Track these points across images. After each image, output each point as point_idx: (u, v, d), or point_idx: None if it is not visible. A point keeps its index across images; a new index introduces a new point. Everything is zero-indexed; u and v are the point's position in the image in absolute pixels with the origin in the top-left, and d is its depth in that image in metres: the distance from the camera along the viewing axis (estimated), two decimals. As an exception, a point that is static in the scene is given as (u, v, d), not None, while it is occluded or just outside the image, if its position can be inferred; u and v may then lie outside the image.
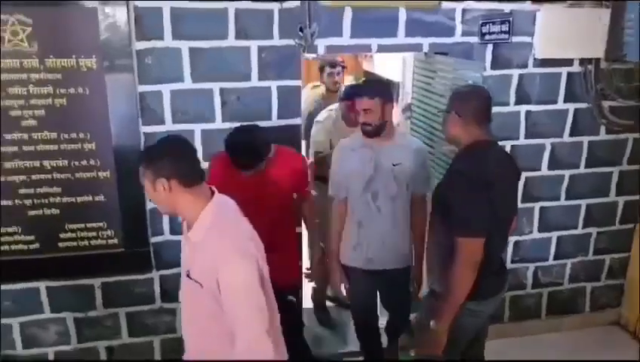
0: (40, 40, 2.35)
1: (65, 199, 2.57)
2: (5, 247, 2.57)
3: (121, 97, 2.51)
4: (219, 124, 2.65)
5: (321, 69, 3.83)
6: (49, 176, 2.53)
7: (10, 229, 2.56)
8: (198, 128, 2.64)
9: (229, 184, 2.21)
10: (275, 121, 2.70)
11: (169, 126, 2.61)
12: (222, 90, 2.62)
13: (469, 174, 2.01)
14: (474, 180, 1.98)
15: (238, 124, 2.42)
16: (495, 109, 2.88)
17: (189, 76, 2.57)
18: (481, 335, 2.34)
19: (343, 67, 4.02)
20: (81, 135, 2.51)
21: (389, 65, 7.51)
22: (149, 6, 2.44)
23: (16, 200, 2.53)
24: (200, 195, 1.67)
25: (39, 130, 2.46)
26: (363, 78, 8.48)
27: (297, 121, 2.74)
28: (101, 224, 2.63)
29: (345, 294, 2.81)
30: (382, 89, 2.55)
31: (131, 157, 2.55)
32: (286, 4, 2.54)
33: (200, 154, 2.60)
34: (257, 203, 2.29)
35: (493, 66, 2.86)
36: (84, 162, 2.54)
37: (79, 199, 2.59)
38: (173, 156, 1.63)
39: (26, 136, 2.46)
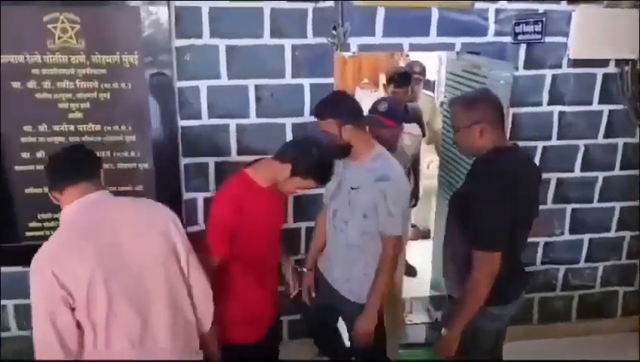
0: (87, 37, 2.48)
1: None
2: (51, 233, 2.73)
3: (160, 92, 2.62)
4: (253, 119, 2.73)
5: (389, 81, 3.58)
6: (92, 166, 2.67)
7: (56, 216, 2.71)
8: (233, 123, 2.73)
9: (251, 216, 2.12)
10: (307, 118, 2.77)
11: (205, 120, 2.71)
12: (256, 87, 2.70)
13: (489, 185, 1.93)
14: (495, 191, 1.91)
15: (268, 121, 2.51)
16: (527, 110, 2.92)
17: (225, 73, 2.66)
18: (500, 338, 2.32)
19: (420, 79, 3.68)
20: (123, 127, 2.64)
21: (425, 64, 7.47)
22: (188, 5, 2.54)
23: (61, 188, 2.68)
24: (70, 196, 1.68)
25: (84, 123, 2.60)
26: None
27: (329, 118, 2.80)
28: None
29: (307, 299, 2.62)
30: (335, 109, 2.23)
31: (169, 149, 2.69)
32: (320, 4, 2.61)
33: (234, 149, 2.74)
34: (276, 230, 2.29)
35: (526, 66, 2.85)
36: (125, 154, 2.67)
37: (120, 188, 2.71)
38: (47, 172, 1.76)
39: (72, 127, 2.60)
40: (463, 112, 2.03)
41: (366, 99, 7.42)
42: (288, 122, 2.77)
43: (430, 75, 7.22)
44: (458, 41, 2.78)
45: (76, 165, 1.71)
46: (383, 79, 8.90)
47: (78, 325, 1.57)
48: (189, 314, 1.82)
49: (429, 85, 6.75)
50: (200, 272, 1.86)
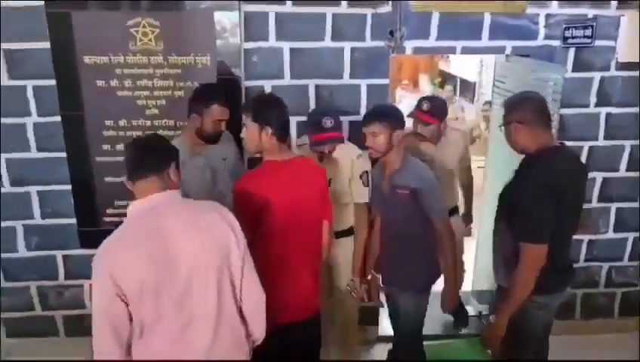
0: (165, 40, 2.72)
1: (177, 179, 2.93)
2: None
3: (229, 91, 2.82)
4: (312, 117, 2.91)
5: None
6: (165, 158, 2.89)
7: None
8: (293, 120, 2.90)
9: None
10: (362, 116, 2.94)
11: (268, 118, 2.91)
12: (317, 87, 2.89)
13: (538, 183, 2.03)
14: (543, 189, 2.02)
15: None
16: (574, 111, 3.03)
17: (288, 73, 2.86)
18: (546, 332, 2.39)
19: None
20: (195, 123, 2.86)
21: (466, 66, 7.58)
22: (257, 10, 2.75)
23: (136, 179, 2.92)
24: (140, 190, 1.66)
25: (160, 118, 2.84)
26: (439, 79, 8.55)
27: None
28: (206, 202, 2.97)
29: None
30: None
31: (236, 144, 2.89)
32: (379, 9, 2.78)
33: (294, 145, 2.92)
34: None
35: (575, 69, 2.96)
36: (195, 147, 2.89)
37: (189, 180, 2.94)
38: (125, 160, 1.72)
39: (149, 122, 2.84)
40: (503, 112, 2.21)
41: (405, 100, 7.54)
42: (345, 120, 2.94)
43: (471, 77, 7.34)
44: (509, 45, 2.91)
45: (148, 158, 1.68)
46: (423, 80, 9.00)
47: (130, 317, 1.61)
48: (236, 324, 1.78)
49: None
50: (253, 282, 1.80)
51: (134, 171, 1.67)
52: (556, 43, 2.92)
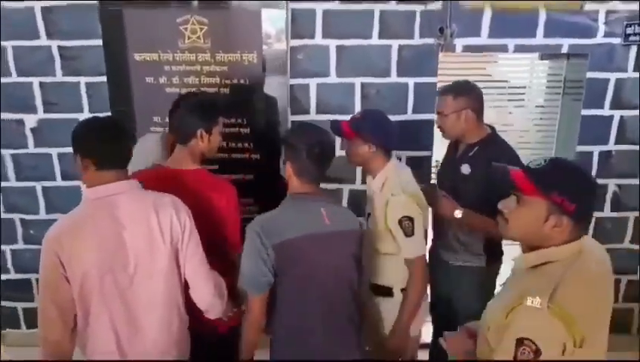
0: (213, 37, 2.73)
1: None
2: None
3: (274, 88, 2.82)
4: (358, 116, 2.86)
5: None
6: (209, 155, 2.90)
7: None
8: (339, 119, 2.88)
9: None
10: (409, 116, 2.88)
11: (313, 116, 2.88)
12: (363, 85, 2.84)
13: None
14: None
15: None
16: (634, 113, 2.87)
17: (334, 71, 2.82)
18: None
19: None
20: (239, 120, 2.86)
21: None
22: (304, 8, 2.73)
23: (182, 175, 2.94)
24: (100, 178, 1.64)
25: (206, 115, 2.85)
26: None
27: (431, 116, 2.88)
28: (250, 200, 2.96)
29: None
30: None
31: (279, 142, 2.87)
32: (428, 6, 2.71)
33: (338, 144, 2.87)
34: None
35: (637, 68, 2.81)
36: (239, 144, 2.89)
37: (233, 177, 2.92)
38: (91, 136, 1.67)
39: (194, 119, 2.85)
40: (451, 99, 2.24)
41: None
42: (391, 119, 2.87)
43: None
44: (565, 43, 2.78)
45: (119, 150, 1.67)
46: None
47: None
48: (183, 314, 1.80)
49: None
50: (202, 275, 1.79)
51: (103, 160, 1.63)
52: (616, 41, 2.77)
